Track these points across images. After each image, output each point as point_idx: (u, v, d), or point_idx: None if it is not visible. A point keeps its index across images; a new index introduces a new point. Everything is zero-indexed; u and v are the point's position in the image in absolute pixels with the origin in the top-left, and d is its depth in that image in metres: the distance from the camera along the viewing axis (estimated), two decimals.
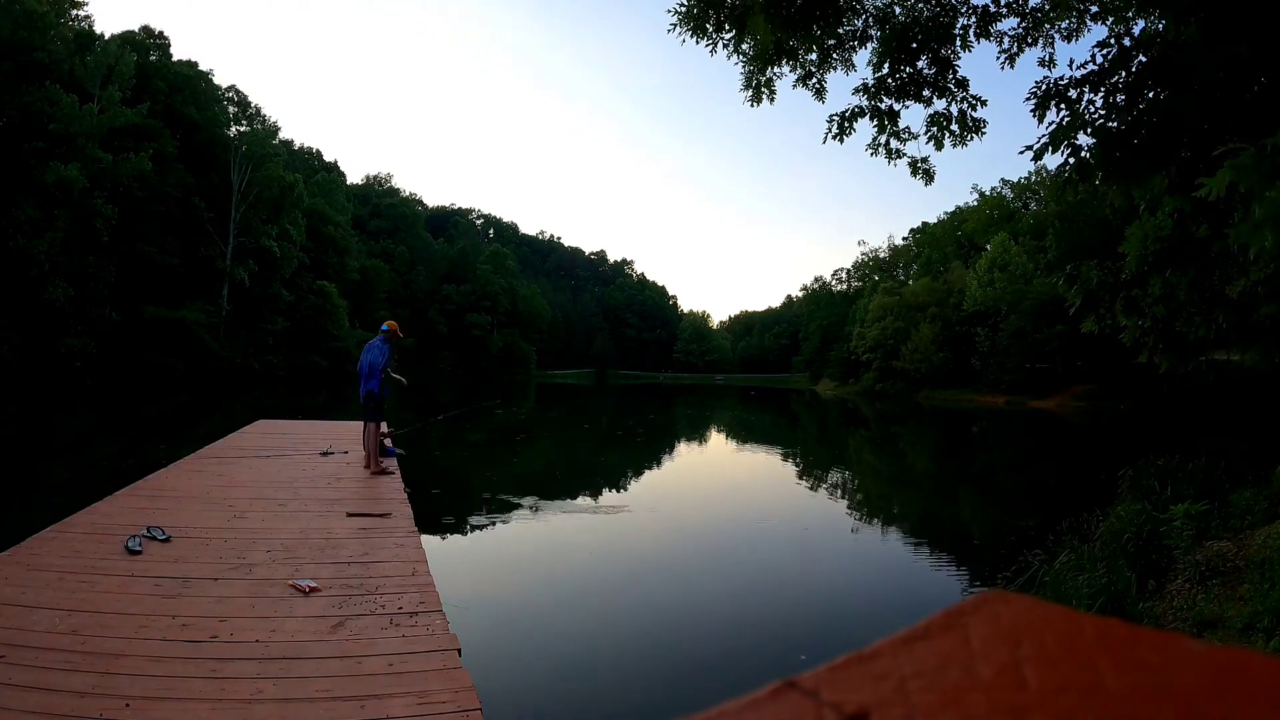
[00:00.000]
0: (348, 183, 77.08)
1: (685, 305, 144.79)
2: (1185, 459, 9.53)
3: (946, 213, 72.70)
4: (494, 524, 9.64)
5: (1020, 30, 7.85)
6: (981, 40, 7.85)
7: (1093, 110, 6.74)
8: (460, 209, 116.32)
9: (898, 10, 7.89)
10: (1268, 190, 3.51)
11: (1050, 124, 6.77)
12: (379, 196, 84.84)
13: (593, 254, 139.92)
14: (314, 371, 47.26)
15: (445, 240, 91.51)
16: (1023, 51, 7.93)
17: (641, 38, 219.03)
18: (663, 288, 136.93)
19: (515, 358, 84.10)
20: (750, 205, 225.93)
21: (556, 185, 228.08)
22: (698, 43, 7.66)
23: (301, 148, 67.66)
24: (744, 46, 7.72)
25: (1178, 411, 26.76)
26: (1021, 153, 6.92)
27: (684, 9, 7.50)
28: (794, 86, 8.22)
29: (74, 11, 39.95)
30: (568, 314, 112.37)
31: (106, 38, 40.40)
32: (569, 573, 7.56)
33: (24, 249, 32.36)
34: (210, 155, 44.30)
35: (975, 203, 66.51)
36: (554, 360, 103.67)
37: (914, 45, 7.75)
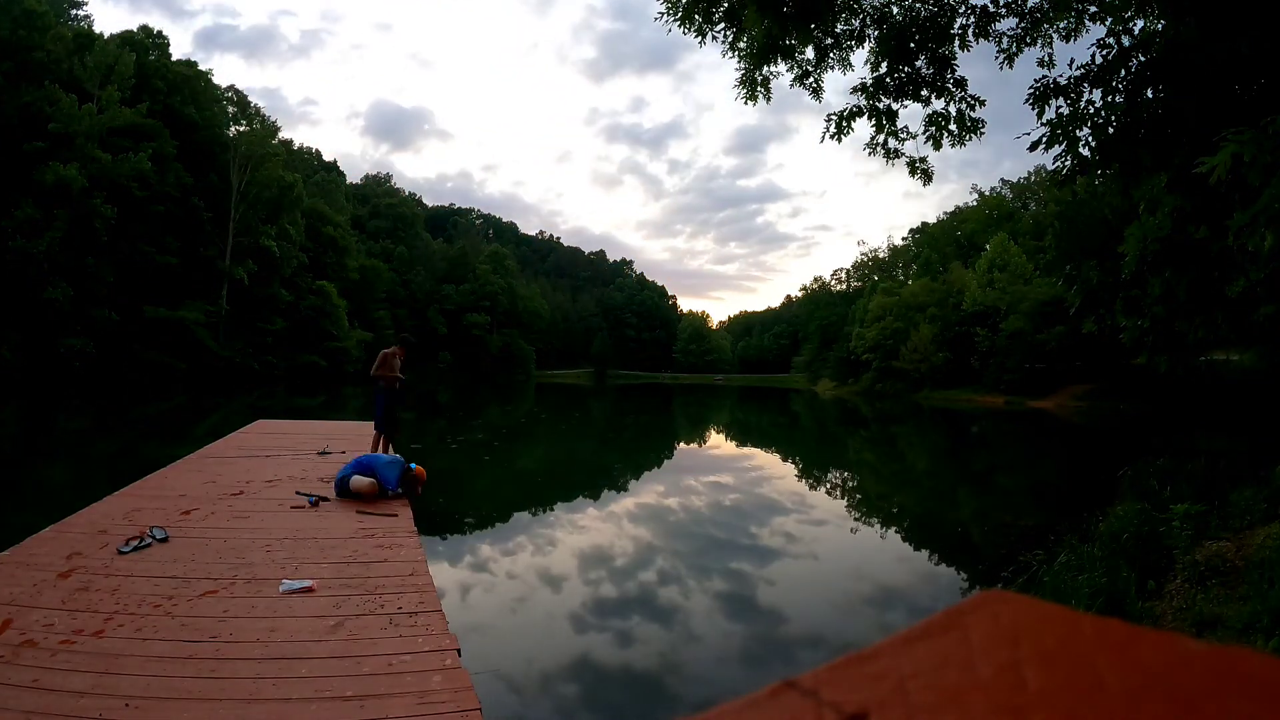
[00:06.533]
0: (347, 182, 77.05)
1: (685, 306, 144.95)
2: (1185, 459, 9.53)
3: (946, 213, 72.85)
4: (493, 524, 9.65)
5: (1019, 30, 7.86)
6: (980, 40, 7.85)
7: (1093, 108, 6.74)
8: (460, 209, 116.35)
9: (895, 10, 7.90)
10: (1274, 176, 3.53)
11: (1049, 120, 6.78)
12: (378, 196, 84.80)
13: (592, 254, 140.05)
14: (313, 371, 47.23)
15: (444, 240, 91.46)
16: (1021, 52, 7.93)
17: (640, 35, 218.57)
18: (662, 288, 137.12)
19: (514, 358, 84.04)
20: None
21: (555, 185, 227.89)
22: (685, 33, 7.67)
23: (301, 148, 67.72)
24: (740, 44, 7.72)
25: (1177, 411, 26.75)
26: (1018, 138, 6.94)
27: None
28: (791, 85, 8.23)
29: (73, 11, 39.97)
30: (567, 314, 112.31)
31: (105, 37, 40.40)
32: (568, 572, 7.56)
33: (23, 249, 32.35)
34: (209, 155, 44.28)
35: (974, 203, 66.58)
36: (553, 360, 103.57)
37: (912, 45, 7.75)
